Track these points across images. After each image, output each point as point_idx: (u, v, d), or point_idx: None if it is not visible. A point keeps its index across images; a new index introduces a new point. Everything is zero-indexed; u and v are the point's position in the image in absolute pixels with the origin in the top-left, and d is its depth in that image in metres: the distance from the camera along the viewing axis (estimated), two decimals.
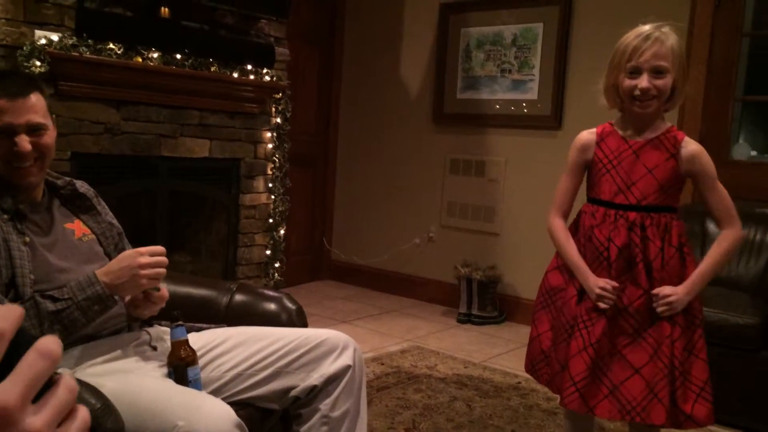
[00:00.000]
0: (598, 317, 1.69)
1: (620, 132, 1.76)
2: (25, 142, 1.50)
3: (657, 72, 1.63)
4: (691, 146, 1.72)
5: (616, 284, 1.69)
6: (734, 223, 1.73)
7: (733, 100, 3.55)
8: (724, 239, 1.72)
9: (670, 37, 1.65)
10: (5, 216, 1.50)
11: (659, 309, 1.66)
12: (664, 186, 1.71)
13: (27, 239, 1.52)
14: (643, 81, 1.63)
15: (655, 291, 1.67)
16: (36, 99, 1.54)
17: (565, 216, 1.83)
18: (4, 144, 1.49)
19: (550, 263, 1.88)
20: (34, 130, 1.52)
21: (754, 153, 3.74)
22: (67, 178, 1.72)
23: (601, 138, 1.77)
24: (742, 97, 3.67)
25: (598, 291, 1.68)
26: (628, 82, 1.66)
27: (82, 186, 1.74)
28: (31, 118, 1.51)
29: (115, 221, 1.80)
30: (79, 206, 1.71)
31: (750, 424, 2.66)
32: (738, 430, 2.66)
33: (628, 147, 1.73)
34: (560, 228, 1.81)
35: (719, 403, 2.64)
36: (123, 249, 1.75)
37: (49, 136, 1.57)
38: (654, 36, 1.63)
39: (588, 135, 1.80)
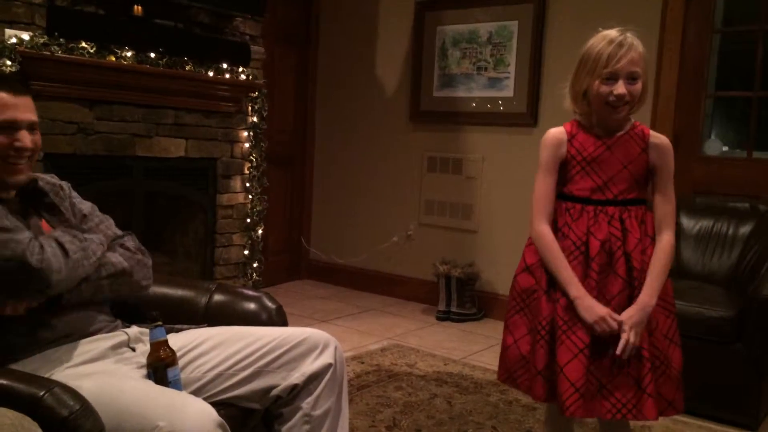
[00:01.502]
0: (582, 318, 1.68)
1: (589, 130, 1.76)
2: (27, 138, 1.55)
3: (632, 78, 1.66)
4: (660, 139, 1.76)
5: (620, 319, 1.65)
6: (672, 228, 1.76)
7: (705, 97, 3.60)
8: (668, 246, 1.72)
9: (638, 43, 1.68)
10: None
11: (632, 344, 1.64)
12: (639, 180, 1.73)
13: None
14: (620, 87, 1.65)
15: (621, 344, 1.63)
16: (30, 98, 1.60)
17: (550, 219, 1.77)
18: (6, 139, 1.53)
19: (519, 265, 1.84)
20: (32, 128, 1.58)
21: (725, 148, 3.80)
22: (31, 174, 1.69)
23: (571, 135, 1.77)
24: (714, 93, 3.73)
25: (596, 319, 1.64)
26: (603, 89, 1.67)
27: (47, 182, 1.71)
28: (30, 115, 1.57)
29: (82, 205, 1.77)
30: (42, 205, 1.68)
31: (725, 415, 2.70)
32: (714, 422, 2.71)
33: (601, 143, 1.74)
34: (549, 238, 1.73)
35: (695, 395, 2.69)
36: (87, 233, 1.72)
37: (39, 136, 1.62)
38: (627, 42, 1.65)
39: (558, 132, 1.78)
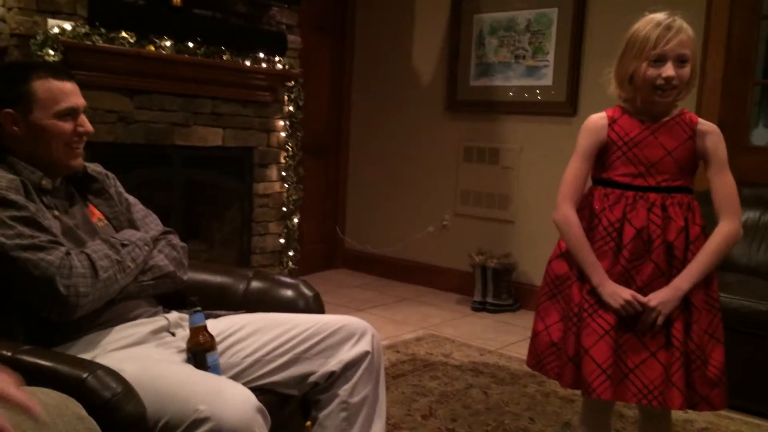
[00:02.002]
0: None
1: (634, 115, 1.71)
2: (87, 122, 1.62)
3: (681, 61, 1.61)
4: (707, 125, 1.70)
5: (644, 300, 1.62)
6: (733, 216, 1.67)
7: (752, 85, 3.49)
8: (719, 234, 1.65)
9: (688, 27, 1.63)
10: (33, 193, 1.52)
11: (652, 319, 1.63)
12: (684, 167, 1.68)
13: (56, 212, 1.54)
14: (669, 69, 1.60)
15: (649, 306, 1.62)
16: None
17: (576, 204, 1.75)
18: (70, 125, 1.58)
19: (554, 251, 1.81)
20: (85, 112, 1.64)
21: None
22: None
23: (612, 120, 1.72)
24: (762, 81, 3.61)
25: (622, 303, 1.62)
26: (651, 71, 1.62)
27: (93, 169, 1.74)
28: (83, 101, 1.63)
29: (125, 194, 1.82)
30: (90, 190, 1.72)
31: None
32: (760, 417, 2.64)
33: (645, 128, 1.69)
34: (574, 223, 1.71)
35: (739, 390, 2.62)
36: (132, 221, 1.75)
37: None
38: (676, 25, 1.60)
39: (598, 117, 1.75)
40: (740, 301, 2.61)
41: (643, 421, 1.85)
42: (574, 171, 1.75)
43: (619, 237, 1.67)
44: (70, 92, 1.58)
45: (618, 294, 1.63)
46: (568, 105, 3.94)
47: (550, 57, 4.02)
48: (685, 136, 1.68)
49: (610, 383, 1.61)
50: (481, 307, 4.08)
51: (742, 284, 2.77)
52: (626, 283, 1.66)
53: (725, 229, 1.67)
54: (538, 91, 4.08)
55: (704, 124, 1.70)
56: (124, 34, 2.98)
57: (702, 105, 3.46)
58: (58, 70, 1.61)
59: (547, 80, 4.04)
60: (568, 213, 1.73)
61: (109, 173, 1.80)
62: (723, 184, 1.69)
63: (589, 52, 3.86)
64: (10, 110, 1.54)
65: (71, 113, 1.58)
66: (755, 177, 3.38)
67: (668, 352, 1.63)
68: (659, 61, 1.61)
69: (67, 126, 1.57)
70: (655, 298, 1.62)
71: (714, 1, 3.43)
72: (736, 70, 3.47)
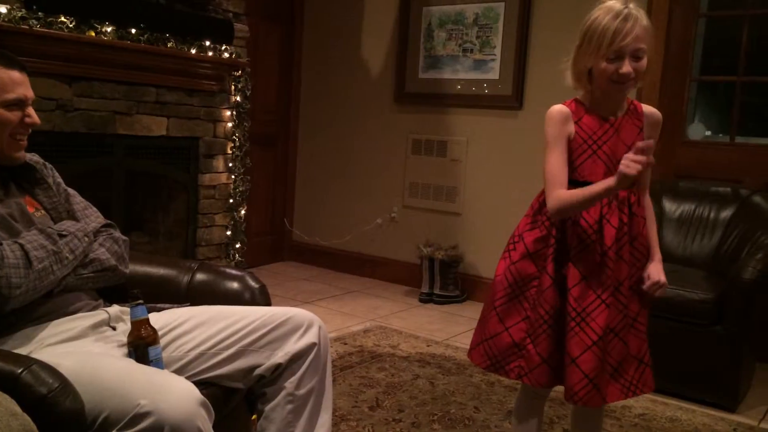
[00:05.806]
0: (597, 307, 1.64)
1: (593, 111, 1.71)
2: (35, 114, 1.59)
3: (637, 56, 1.61)
4: (652, 111, 1.75)
5: (654, 279, 1.69)
6: (648, 192, 1.81)
7: (689, 81, 3.61)
8: (651, 210, 1.79)
9: (643, 15, 1.62)
10: None
11: (658, 293, 1.70)
12: None
13: None
14: (626, 66, 1.59)
15: (649, 283, 1.69)
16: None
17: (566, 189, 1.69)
18: (17, 116, 1.55)
19: (516, 251, 1.76)
20: (31, 105, 1.61)
21: (708, 133, 3.82)
22: None
23: (578, 116, 1.70)
24: (698, 78, 3.74)
25: (634, 162, 1.50)
26: (608, 66, 1.61)
27: (31, 159, 1.69)
28: (32, 92, 1.60)
29: (64, 185, 1.78)
30: (27, 179, 1.66)
31: (705, 396, 2.74)
32: (693, 403, 2.75)
33: (609, 126, 1.69)
34: (566, 192, 1.64)
35: (674, 377, 2.73)
36: (72, 212, 1.71)
37: None
38: (632, 16, 1.59)
39: (563, 108, 1.71)
40: (674, 290, 2.70)
41: (576, 409, 1.89)
42: (554, 163, 1.68)
43: (601, 238, 1.66)
44: (19, 82, 1.55)
45: (627, 160, 1.52)
46: (514, 99, 4.00)
47: (497, 51, 4.07)
48: (637, 129, 1.71)
49: (596, 391, 1.64)
50: (428, 298, 4.12)
51: (676, 274, 2.86)
52: (616, 283, 1.66)
53: (651, 204, 1.79)
54: (485, 85, 4.13)
55: (649, 109, 1.75)
56: (63, 18, 2.88)
57: (641, 100, 3.54)
58: (10, 59, 1.56)
59: (494, 74, 4.09)
60: (559, 194, 1.65)
61: (47, 163, 1.75)
62: (650, 168, 1.75)
63: (535, 47, 3.93)
64: None
65: (19, 104, 1.54)
66: (690, 171, 3.51)
67: (637, 338, 1.71)
68: (616, 56, 1.60)
69: (13, 116, 1.54)
70: (658, 275, 1.70)
71: None
72: (674, 66, 3.59)
